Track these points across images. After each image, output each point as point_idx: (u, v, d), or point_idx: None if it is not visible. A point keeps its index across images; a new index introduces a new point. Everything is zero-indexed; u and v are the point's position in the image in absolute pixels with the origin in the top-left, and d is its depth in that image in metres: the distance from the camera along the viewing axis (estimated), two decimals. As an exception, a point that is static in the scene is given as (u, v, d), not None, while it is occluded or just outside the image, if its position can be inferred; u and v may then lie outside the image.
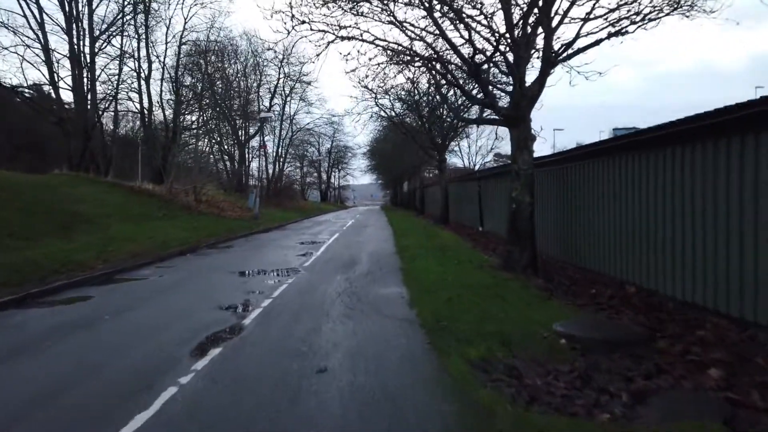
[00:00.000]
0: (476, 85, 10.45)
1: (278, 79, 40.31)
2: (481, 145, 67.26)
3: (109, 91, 23.82)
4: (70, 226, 12.73)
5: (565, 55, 8.94)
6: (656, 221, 6.83)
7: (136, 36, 24.88)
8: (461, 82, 10.18)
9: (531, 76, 9.45)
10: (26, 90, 21.99)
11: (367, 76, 11.64)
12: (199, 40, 26.95)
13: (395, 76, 11.93)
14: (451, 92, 13.97)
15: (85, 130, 20.58)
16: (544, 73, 9.09)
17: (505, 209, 14.68)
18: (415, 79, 15.57)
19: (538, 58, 9.22)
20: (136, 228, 14.57)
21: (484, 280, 8.39)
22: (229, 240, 17.39)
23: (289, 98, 45.17)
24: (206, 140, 28.14)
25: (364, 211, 54.70)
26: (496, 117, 10.37)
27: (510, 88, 10.15)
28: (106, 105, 23.50)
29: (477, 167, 64.65)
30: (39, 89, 23.44)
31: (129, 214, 16.00)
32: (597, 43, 9.06)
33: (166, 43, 26.10)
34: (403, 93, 21.75)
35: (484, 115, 10.40)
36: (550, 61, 8.85)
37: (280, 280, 9.21)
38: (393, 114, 22.41)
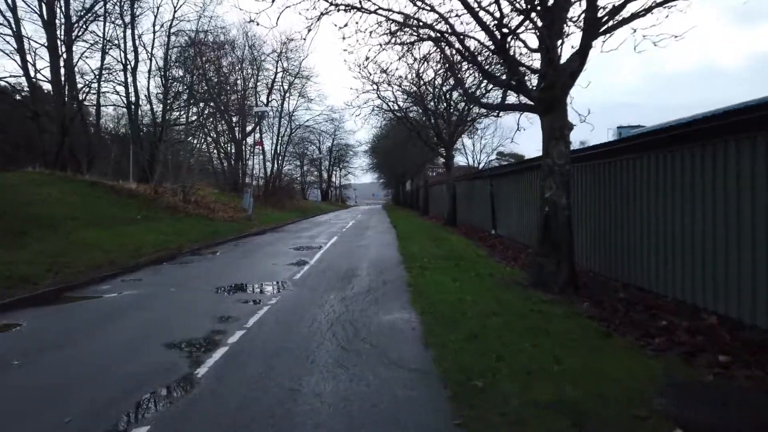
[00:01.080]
0: (499, 64, 8.74)
1: (275, 73, 38.67)
2: (485, 143, 65.57)
3: (90, 82, 22.14)
4: (25, 232, 11.05)
5: (613, 22, 7.20)
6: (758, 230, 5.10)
7: (122, 24, 23.20)
8: (480, 59, 8.51)
9: (565, 54, 7.75)
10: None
11: (367, 58, 9.93)
12: (191, 30, 25.27)
13: (399, 59, 10.32)
14: (468, 73, 12.28)
15: (62, 124, 18.90)
16: (586, 45, 7.36)
17: (525, 212, 13.01)
18: (420, 65, 13.83)
19: (579, 27, 7.49)
20: (106, 233, 12.88)
21: (515, 302, 6.68)
22: (215, 245, 15.71)
23: (287, 94, 43.58)
24: (199, 137, 26.42)
25: (365, 211, 52.99)
26: (524, 101, 8.63)
27: (536, 67, 8.43)
28: (83, 96, 21.81)
29: (481, 166, 62.79)
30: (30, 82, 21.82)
31: (101, 217, 14.32)
32: (651, 8, 7.31)
33: (154, 32, 24.34)
34: (406, 84, 20.04)
35: (507, 100, 8.72)
36: (596, 26, 7.12)
37: (261, 300, 7.51)
38: (396, 107, 20.69)
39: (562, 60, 7.70)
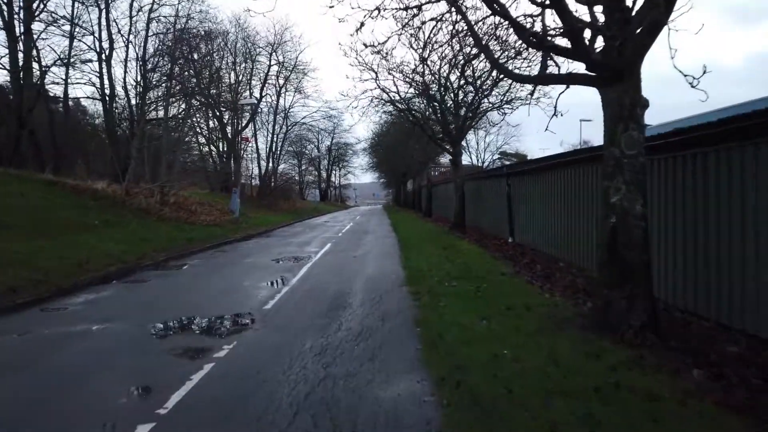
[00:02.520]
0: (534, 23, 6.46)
1: (269, 66, 36.42)
2: (490, 141, 63.35)
3: (47, 67, 19.86)
4: (-67, 244, 8.80)
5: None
6: None
7: (95, 5, 20.93)
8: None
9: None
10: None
11: (362, 25, 7.64)
12: (170, 15, 23.00)
13: (401, 29, 8.16)
14: (490, 36, 9.90)
15: (18, 116, 16.65)
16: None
17: (553, 217, 10.71)
18: (428, 41, 11.56)
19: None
20: (47, 243, 10.62)
21: (580, 363, 4.41)
22: (187, 255, 13.45)
23: (283, 89, 41.31)
24: (182, 132, 24.11)
25: (365, 212, 50.73)
26: (574, 71, 6.34)
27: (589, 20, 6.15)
28: (39, 83, 19.49)
29: (486, 165, 60.27)
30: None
31: (48, 223, 12.06)
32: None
33: (131, 16, 22.02)
34: (408, 70, 17.77)
35: (548, 69, 6.49)
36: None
37: (206, 351, 5.25)
38: (398, 98, 18.41)
39: (636, 7, 5.44)
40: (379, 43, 8.82)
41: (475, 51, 10.50)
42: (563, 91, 7.19)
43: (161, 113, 23.51)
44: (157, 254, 12.61)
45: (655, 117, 30.18)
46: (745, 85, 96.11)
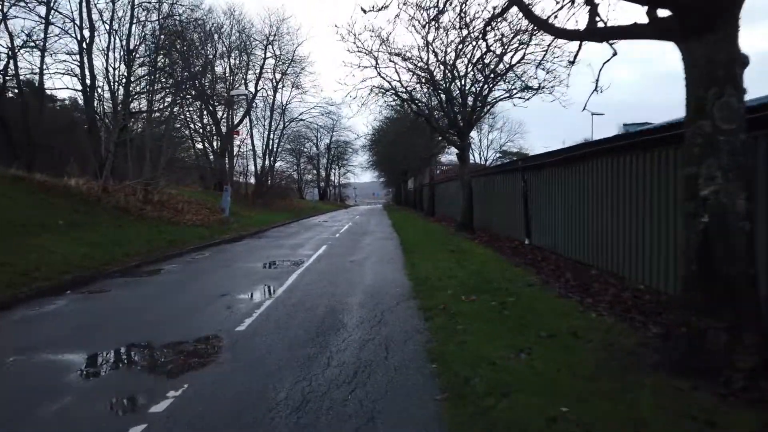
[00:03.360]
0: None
1: (264, 58, 34.93)
2: (493, 139, 61.93)
3: (12, 51, 18.36)
4: None
5: None
6: None
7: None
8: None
9: None
10: None
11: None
12: (158, 1, 21.46)
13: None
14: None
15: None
16: None
17: (579, 216, 9.17)
18: (433, 18, 10.08)
19: None
20: (-6, 246, 9.13)
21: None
22: (165, 259, 11.97)
23: (280, 84, 39.82)
24: (170, 126, 22.57)
25: (364, 212, 49.23)
26: (641, 23, 4.82)
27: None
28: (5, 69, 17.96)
29: (489, 162, 58.66)
30: None
31: (1, 224, 10.55)
32: None
33: (114, 1, 20.49)
34: (410, 55, 16.29)
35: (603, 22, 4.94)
36: None
37: (140, 402, 3.77)
38: (401, 87, 16.90)
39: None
40: (380, 29, 7.43)
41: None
42: (610, 58, 5.68)
43: (142, 101, 22.03)
44: (129, 259, 11.12)
45: (654, 117, 28.74)
46: (750, 85, 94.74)
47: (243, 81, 35.68)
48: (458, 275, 8.52)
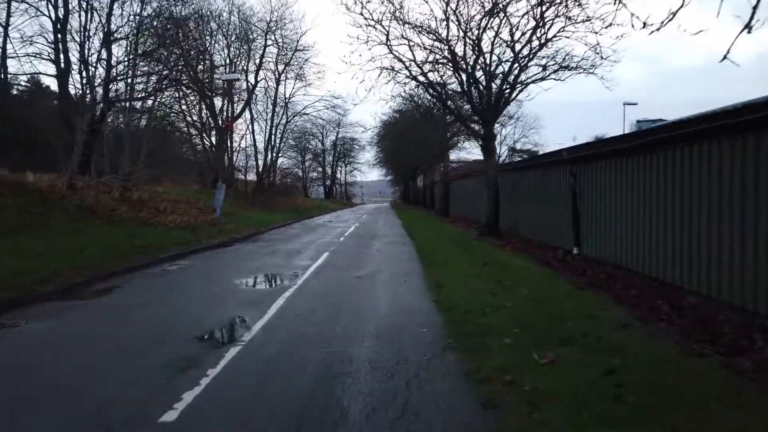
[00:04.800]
0: None
1: (264, 46, 32.55)
2: (506, 134, 59.11)
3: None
4: None
5: None
6: None
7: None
8: None
9: None
10: None
11: None
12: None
13: None
14: None
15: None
16: None
17: (661, 221, 6.53)
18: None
19: None
20: None
21: None
22: (125, 272, 9.62)
23: (283, 75, 37.35)
24: (156, 114, 20.24)
25: (372, 210, 46.88)
26: None
27: None
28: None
29: (502, 160, 55.28)
30: None
31: None
32: None
33: (91, -25, 18.18)
34: (428, 26, 13.85)
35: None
36: None
37: None
38: (415, 66, 14.40)
39: None
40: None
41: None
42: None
43: (144, 99, 19.76)
44: (77, 274, 8.77)
45: (657, 115, 26.75)
46: (757, 84, 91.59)
47: (243, 71, 33.38)
48: (506, 304, 6.08)
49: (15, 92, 24.95)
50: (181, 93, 27.66)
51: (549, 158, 12.04)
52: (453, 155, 41.06)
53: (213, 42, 30.73)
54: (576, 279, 7.93)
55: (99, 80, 18.67)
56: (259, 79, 33.62)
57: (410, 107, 31.19)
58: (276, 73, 36.98)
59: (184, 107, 29.62)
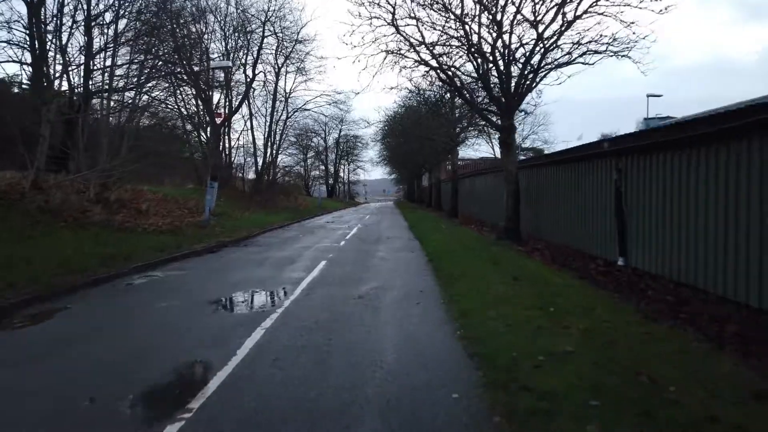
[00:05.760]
0: None
1: (262, 37, 30.85)
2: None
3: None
4: None
5: None
6: None
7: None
8: None
9: None
10: None
11: None
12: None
13: None
14: None
15: None
16: None
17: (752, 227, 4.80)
18: None
19: None
20: None
21: None
22: (81, 287, 7.97)
23: (283, 69, 35.64)
24: (136, 107, 18.49)
25: (376, 210, 45.17)
26: None
27: None
28: None
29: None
30: None
31: None
32: None
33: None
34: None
35: None
36: None
37: None
38: (425, 49, 12.63)
39: None
40: None
41: None
42: None
43: (124, 90, 18.08)
44: (12, 292, 7.12)
45: (667, 112, 25.53)
46: (760, 82, 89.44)
47: (241, 64, 31.71)
48: (565, 347, 4.35)
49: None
50: (174, 85, 26.13)
51: (582, 152, 10.28)
52: (459, 153, 39.24)
53: (209, 31, 29.14)
54: (637, 302, 6.19)
55: (75, 68, 17.10)
56: (257, 72, 31.97)
57: (416, 101, 29.47)
58: (275, 66, 35.32)
59: (174, 100, 28.09)
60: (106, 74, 16.92)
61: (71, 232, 11.20)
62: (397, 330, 5.45)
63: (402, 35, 12.41)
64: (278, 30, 32.02)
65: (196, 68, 24.69)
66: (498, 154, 48.45)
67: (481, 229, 17.64)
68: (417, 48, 12.49)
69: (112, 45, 16.71)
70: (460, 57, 13.08)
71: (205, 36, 29.21)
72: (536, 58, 12.30)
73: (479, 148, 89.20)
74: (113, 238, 11.74)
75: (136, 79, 17.15)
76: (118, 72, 17.79)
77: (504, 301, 6.29)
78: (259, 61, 31.94)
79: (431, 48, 12.97)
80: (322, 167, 71.11)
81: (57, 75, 15.53)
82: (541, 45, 12.21)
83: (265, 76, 35.57)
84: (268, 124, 35.90)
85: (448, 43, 13.07)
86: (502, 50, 12.64)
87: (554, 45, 12.19)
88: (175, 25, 21.28)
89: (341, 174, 77.45)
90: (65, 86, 17.52)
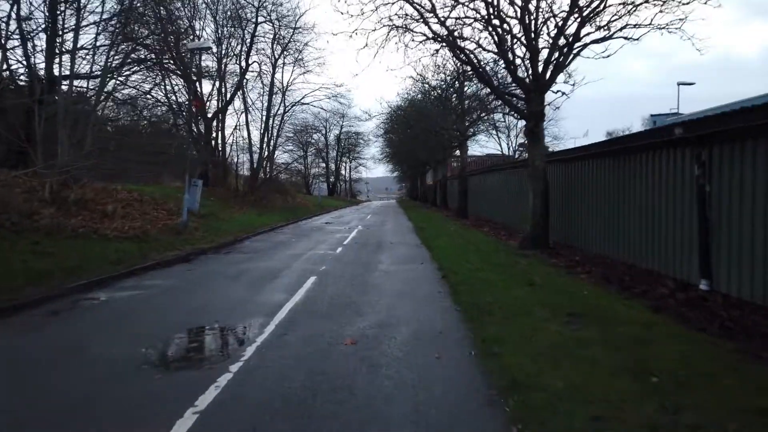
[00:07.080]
0: None
1: (256, 24, 28.68)
2: (522, 126, 54.87)
3: None
4: None
5: None
6: None
7: None
8: None
9: None
10: None
11: None
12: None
13: None
14: None
15: None
16: None
17: None
18: None
19: None
20: None
21: None
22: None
23: (280, 60, 33.41)
24: (101, 94, 16.34)
25: (378, 209, 43.04)
26: None
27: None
28: None
29: (517, 156, 48.88)
30: None
31: None
32: None
33: None
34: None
35: None
36: None
37: None
38: (435, 18, 10.45)
39: None
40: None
41: None
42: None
43: (91, 77, 16.02)
44: None
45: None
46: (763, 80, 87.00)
47: (234, 55, 29.58)
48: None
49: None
50: (157, 72, 24.00)
51: (639, 140, 8.14)
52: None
53: (200, 17, 27.09)
54: (757, 353, 4.07)
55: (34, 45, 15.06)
56: (251, 62, 29.79)
57: (421, 92, 27.38)
58: (272, 57, 33.12)
59: (154, 89, 25.88)
60: (69, 55, 14.85)
61: (5, 242, 9.13)
62: (412, 416, 3.34)
63: (409, 1, 10.27)
64: (274, 17, 29.87)
65: (177, 54, 22.61)
66: (506, 151, 45.98)
67: (497, 233, 15.53)
68: (427, 17, 10.34)
69: (75, 24, 14.62)
70: (479, 31, 10.91)
71: (196, 22, 27.22)
72: (571, 29, 10.14)
73: (487, 144, 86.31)
74: (60, 248, 9.66)
75: (104, 63, 15.06)
76: (82, 53, 15.74)
77: (567, 355, 4.19)
78: (253, 51, 29.81)
79: (443, 20, 10.84)
80: (323, 165, 69.06)
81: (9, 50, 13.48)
82: (578, 14, 10.08)
83: (260, 67, 33.44)
84: (264, 118, 33.77)
85: (465, 15, 10.92)
86: (528, 21, 10.51)
87: (593, 14, 10.05)
88: (155, 4, 19.16)
89: (342, 172, 75.37)
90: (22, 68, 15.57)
